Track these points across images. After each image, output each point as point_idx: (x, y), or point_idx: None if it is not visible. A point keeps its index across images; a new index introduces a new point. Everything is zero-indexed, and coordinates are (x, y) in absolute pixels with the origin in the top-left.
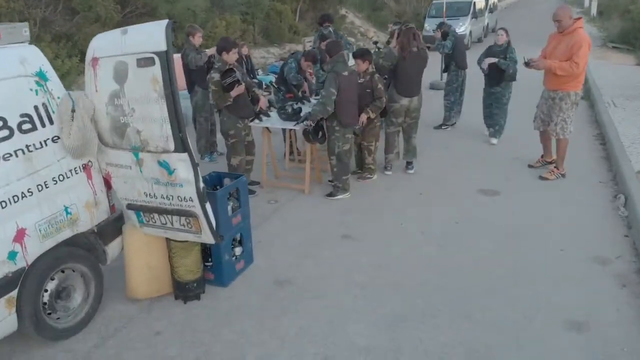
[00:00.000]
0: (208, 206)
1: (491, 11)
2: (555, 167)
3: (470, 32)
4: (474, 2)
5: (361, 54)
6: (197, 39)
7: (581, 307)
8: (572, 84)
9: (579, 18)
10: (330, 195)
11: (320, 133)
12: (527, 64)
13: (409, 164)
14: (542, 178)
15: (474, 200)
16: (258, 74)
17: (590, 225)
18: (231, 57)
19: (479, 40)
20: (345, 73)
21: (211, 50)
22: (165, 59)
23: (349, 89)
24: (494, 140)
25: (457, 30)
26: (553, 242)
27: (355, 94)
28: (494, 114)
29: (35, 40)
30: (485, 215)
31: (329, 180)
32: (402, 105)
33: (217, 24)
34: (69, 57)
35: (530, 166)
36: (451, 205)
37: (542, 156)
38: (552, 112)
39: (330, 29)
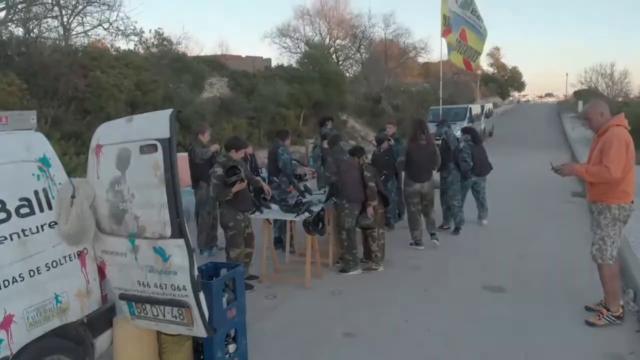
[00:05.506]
0: (202, 296)
1: (487, 116)
2: (604, 306)
3: None
4: (470, 108)
5: (353, 152)
6: (206, 137)
7: None
8: (611, 194)
9: (618, 115)
10: (343, 271)
11: (320, 224)
12: (555, 170)
13: (432, 235)
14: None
15: (479, 297)
16: (262, 172)
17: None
18: (238, 155)
19: None
20: (345, 158)
21: (215, 147)
22: (167, 145)
23: (350, 170)
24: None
25: (455, 134)
26: (564, 337)
27: (356, 174)
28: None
29: None
30: (491, 312)
31: (340, 258)
32: (415, 189)
33: (224, 126)
34: (77, 155)
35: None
36: (456, 302)
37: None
38: (591, 228)
39: (329, 126)
